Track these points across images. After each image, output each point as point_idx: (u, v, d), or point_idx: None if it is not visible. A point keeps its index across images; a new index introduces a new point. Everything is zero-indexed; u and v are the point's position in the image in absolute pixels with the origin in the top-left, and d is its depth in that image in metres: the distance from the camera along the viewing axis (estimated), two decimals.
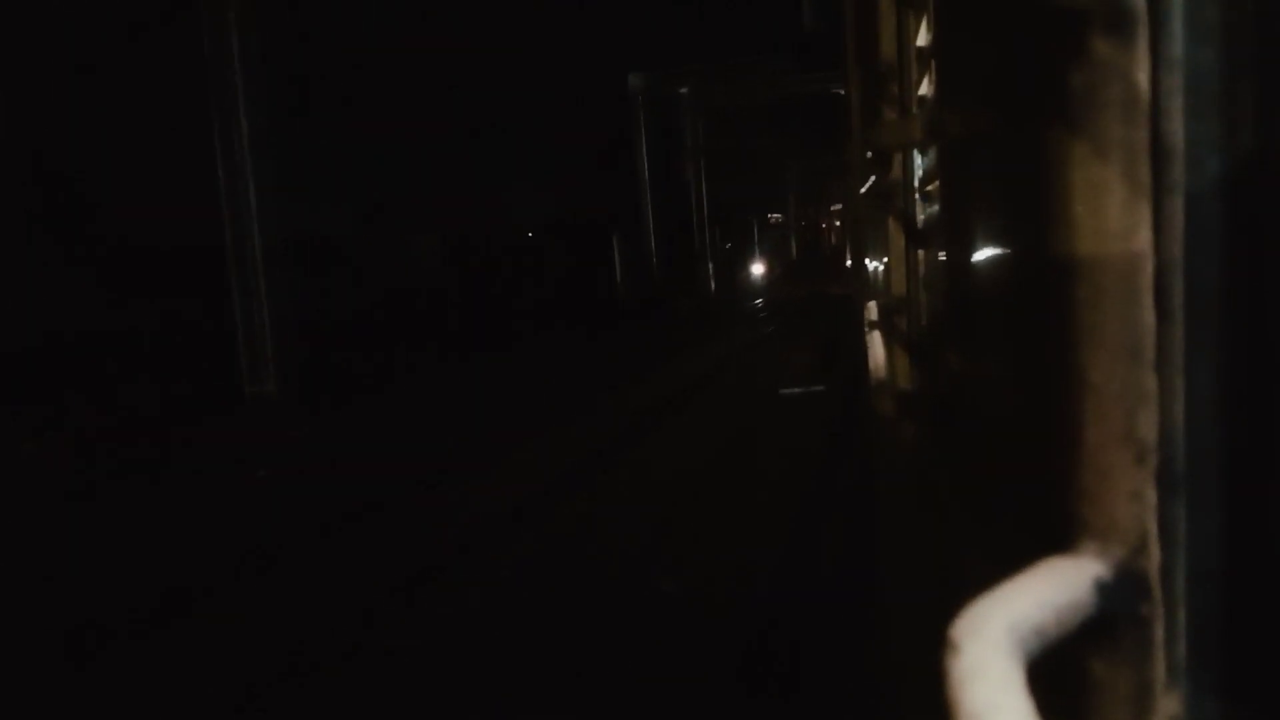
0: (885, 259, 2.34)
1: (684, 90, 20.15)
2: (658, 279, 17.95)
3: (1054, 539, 0.54)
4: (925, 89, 1.83)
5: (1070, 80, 0.51)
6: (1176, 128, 0.51)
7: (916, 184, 1.94)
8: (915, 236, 1.93)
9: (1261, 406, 0.53)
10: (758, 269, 24.31)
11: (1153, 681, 0.52)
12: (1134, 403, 0.51)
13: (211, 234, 11.42)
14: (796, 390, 10.16)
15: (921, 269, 1.91)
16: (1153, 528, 0.51)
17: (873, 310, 2.54)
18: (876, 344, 2.35)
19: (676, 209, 19.69)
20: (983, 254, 0.87)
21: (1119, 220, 0.51)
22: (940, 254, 1.63)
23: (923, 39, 1.83)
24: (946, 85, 1.26)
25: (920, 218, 1.94)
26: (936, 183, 1.72)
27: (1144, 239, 0.50)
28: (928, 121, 1.51)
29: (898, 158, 2.03)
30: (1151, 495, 0.51)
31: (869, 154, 2.43)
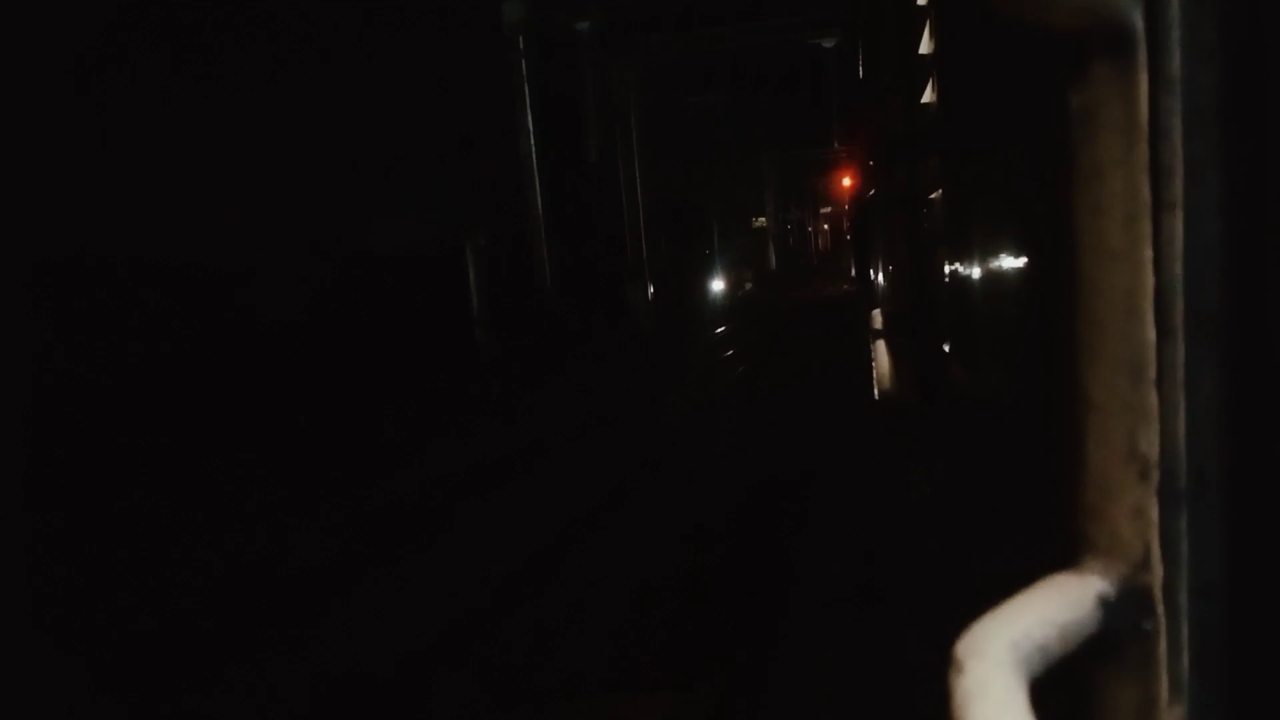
0: (890, 267, 2.34)
1: (583, 26, 12.23)
2: (553, 312, 11.32)
3: (1057, 555, 0.54)
4: (929, 96, 1.83)
5: (1071, 100, 0.51)
6: (1175, 146, 0.51)
7: (920, 192, 1.95)
8: (919, 245, 1.93)
9: (1262, 422, 0.54)
10: (718, 285, 17.99)
11: (1157, 696, 0.53)
12: (1136, 419, 0.51)
13: None
14: None
15: (926, 278, 1.92)
16: (1155, 544, 0.51)
17: (877, 319, 2.55)
18: (882, 353, 2.36)
19: (604, 208, 12.93)
20: (983, 268, 0.87)
21: (1119, 238, 0.51)
22: (943, 264, 1.63)
23: (925, 47, 1.83)
24: (948, 97, 1.26)
25: (924, 226, 1.94)
26: (940, 191, 1.72)
27: (1144, 256, 0.51)
28: (929, 132, 1.51)
29: (901, 165, 2.03)
30: (1154, 511, 0.51)
31: (871, 161, 2.44)
